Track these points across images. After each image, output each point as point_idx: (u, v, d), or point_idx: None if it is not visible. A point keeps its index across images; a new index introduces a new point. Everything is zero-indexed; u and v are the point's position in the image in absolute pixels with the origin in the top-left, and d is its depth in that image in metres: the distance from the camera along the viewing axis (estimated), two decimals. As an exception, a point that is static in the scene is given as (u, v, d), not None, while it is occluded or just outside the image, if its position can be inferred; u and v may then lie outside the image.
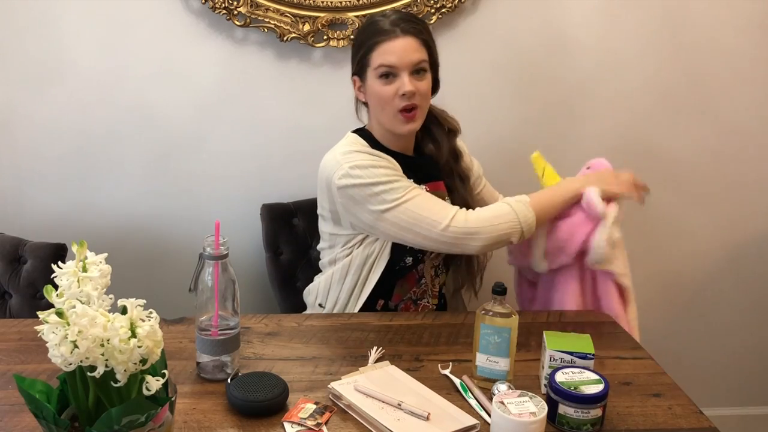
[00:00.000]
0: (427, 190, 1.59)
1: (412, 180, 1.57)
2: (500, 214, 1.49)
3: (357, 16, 1.88)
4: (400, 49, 1.50)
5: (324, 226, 1.63)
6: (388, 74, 1.50)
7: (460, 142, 1.72)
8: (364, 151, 1.55)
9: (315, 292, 1.67)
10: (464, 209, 1.51)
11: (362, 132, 1.63)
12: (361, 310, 1.58)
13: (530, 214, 1.50)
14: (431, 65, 1.56)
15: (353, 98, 1.65)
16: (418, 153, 1.66)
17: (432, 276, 1.66)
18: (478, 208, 1.52)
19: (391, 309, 1.63)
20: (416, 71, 1.52)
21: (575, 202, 1.55)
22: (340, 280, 1.61)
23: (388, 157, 1.55)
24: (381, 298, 1.62)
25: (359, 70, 1.56)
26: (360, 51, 1.55)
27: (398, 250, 1.56)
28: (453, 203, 1.61)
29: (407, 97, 1.50)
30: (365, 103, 1.61)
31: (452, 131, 1.67)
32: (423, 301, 1.65)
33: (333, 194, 1.53)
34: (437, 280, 1.68)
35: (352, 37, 1.82)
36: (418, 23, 1.57)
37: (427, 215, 1.48)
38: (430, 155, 1.65)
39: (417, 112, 1.53)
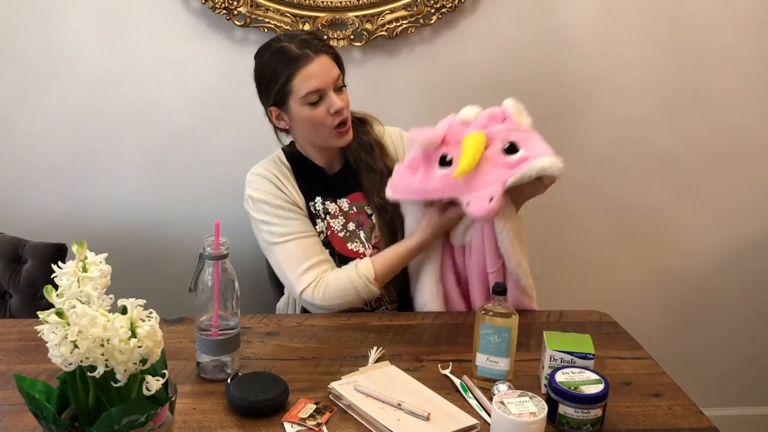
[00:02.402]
0: (348, 203, 1.62)
1: (320, 199, 1.60)
2: (343, 293, 1.51)
3: (357, 16, 1.88)
4: (320, 70, 1.49)
5: None
6: (318, 99, 1.50)
7: (393, 133, 1.69)
8: (268, 177, 1.57)
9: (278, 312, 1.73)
10: (317, 281, 1.51)
11: (290, 147, 1.65)
12: None
13: (373, 291, 1.52)
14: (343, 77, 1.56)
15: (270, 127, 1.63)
16: (347, 165, 1.64)
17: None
18: (328, 281, 1.51)
19: None
20: (338, 87, 1.53)
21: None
22: (287, 303, 1.67)
23: (290, 188, 1.57)
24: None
25: (278, 100, 1.53)
26: (276, 82, 1.51)
27: None
28: (372, 211, 1.61)
29: (339, 113, 1.51)
30: (285, 130, 1.61)
31: (362, 121, 1.65)
32: (380, 310, 1.65)
33: None
34: (392, 284, 1.63)
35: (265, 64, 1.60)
36: (322, 39, 1.59)
37: (289, 276, 1.53)
38: (351, 165, 1.63)
39: (348, 124, 1.55)
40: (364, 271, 1.52)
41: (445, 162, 1.42)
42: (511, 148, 1.40)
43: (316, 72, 1.49)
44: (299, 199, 1.58)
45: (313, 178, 1.61)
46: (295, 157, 1.62)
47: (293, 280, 1.53)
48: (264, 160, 1.63)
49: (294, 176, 1.60)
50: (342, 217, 1.61)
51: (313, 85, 1.48)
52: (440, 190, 1.43)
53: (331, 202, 1.61)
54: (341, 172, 1.64)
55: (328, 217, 1.60)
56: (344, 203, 1.62)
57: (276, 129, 1.63)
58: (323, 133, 1.54)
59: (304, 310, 1.62)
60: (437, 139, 1.44)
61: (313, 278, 1.52)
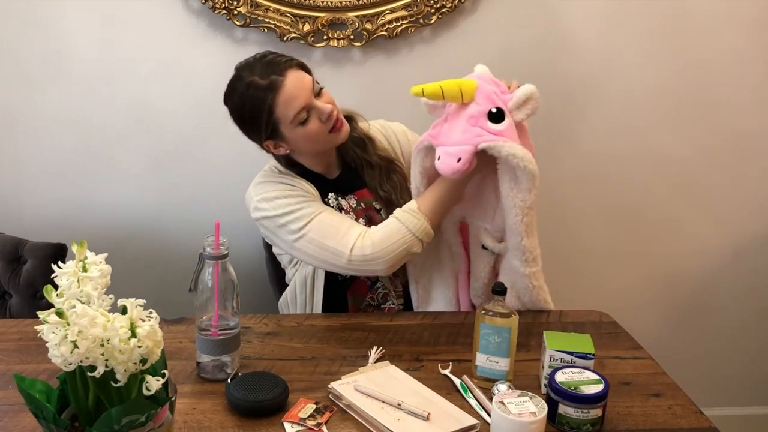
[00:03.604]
0: (356, 200, 1.61)
1: (333, 195, 1.59)
2: (391, 233, 1.45)
3: (357, 16, 1.88)
4: (296, 88, 1.44)
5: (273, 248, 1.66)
6: (307, 115, 1.46)
7: (377, 126, 1.69)
8: (274, 180, 1.55)
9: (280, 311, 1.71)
10: (364, 232, 1.47)
11: (283, 157, 1.60)
12: None
13: (420, 222, 1.45)
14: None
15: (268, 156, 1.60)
16: (345, 165, 1.63)
17: (391, 277, 1.63)
18: (373, 229, 1.48)
19: None
20: (317, 93, 1.49)
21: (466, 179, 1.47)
22: (293, 302, 1.64)
23: (298, 182, 1.55)
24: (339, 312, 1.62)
25: (270, 133, 1.48)
26: (260, 118, 1.45)
27: None
28: (381, 204, 1.61)
29: (330, 116, 1.48)
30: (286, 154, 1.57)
31: (347, 118, 1.61)
32: (387, 305, 1.65)
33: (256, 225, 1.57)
34: (398, 280, 1.66)
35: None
36: (279, 54, 1.51)
37: (331, 244, 1.46)
38: (350, 164, 1.62)
39: (341, 118, 1.52)
40: (407, 205, 1.48)
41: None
42: (497, 116, 1.38)
43: (292, 92, 1.44)
44: (314, 191, 1.56)
45: (317, 182, 1.59)
46: (293, 168, 1.60)
47: (338, 245, 1.45)
48: (261, 173, 1.60)
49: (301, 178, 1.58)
50: (352, 214, 1.61)
51: (296, 105, 1.44)
52: (425, 137, 1.44)
53: (342, 199, 1.61)
54: (342, 174, 1.64)
55: (342, 212, 1.59)
56: (352, 200, 1.62)
57: (277, 157, 1.59)
58: (323, 140, 1.51)
59: (308, 307, 1.61)
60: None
61: (357, 233, 1.46)
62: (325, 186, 1.60)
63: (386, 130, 1.71)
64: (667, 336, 2.25)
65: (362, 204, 1.63)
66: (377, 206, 1.63)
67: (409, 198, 1.55)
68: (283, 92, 1.44)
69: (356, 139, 1.62)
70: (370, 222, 1.61)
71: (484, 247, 1.52)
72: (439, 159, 1.37)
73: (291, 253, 1.55)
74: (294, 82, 1.45)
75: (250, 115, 1.47)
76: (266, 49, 1.90)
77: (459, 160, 1.34)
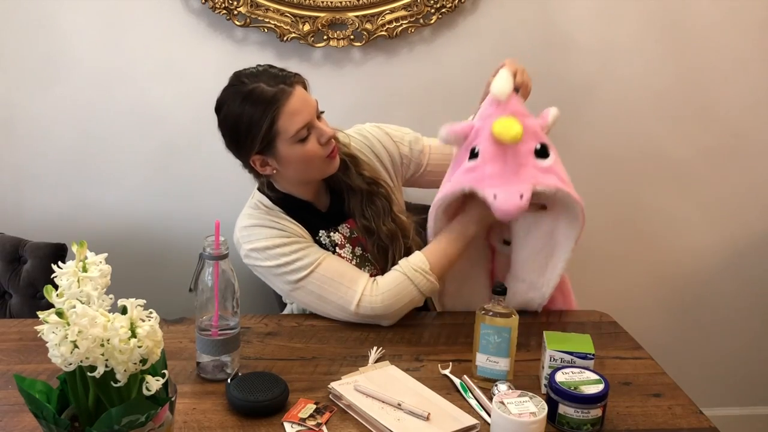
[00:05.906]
0: (348, 228, 1.55)
1: (324, 232, 1.52)
2: (401, 293, 1.44)
3: (357, 16, 1.88)
4: (302, 103, 1.39)
5: None
6: (307, 133, 1.40)
7: (356, 136, 1.60)
8: (263, 224, 1.47)
9: None
10: (370, 285, 1.44)
11: (269, 190, 1.52)
12: None
13: (431, 283, 1.45)
14: None
15: (250, 177, 1.53)
16: (331, 190, 1.56)
17: None
18: (381, 284, 1.44)
19: None
20: (318, 114, 1.43)
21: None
22: None
23: (287, 225, 1.48)
24: None
25: (264, 147, 1.40)
26: (259, 128, 1.37)
27: None
28: (363, 232, 1.55)
29: (329, 140, 1.43)
30: (268, 175, 1.49)
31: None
32: None
33: None
34: None
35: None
36: (284, 69, 1.44)
37: (333, 298, 1.45)
38: (335, 189, 1.55)
39: (335, 149, 1.46)
40: (419, 263, 1.45)
41: (473, 154, 1.38)
42: (543, 152, 1.39)
43: (299, 106, 1.38)
44: (305, 234, 1.50)
45: (308, 216, 1.52)
46: (281, 200, 1.51)
47: (344, 297, 1.44)
48: (246, 209, 1.52)
49: (290, 216, 1.50)
50: (349, 244, 1.55)
51: (300, 121, 1.38)
52: (463, 182, 1.38)
53: (334, 233, 1.54)
54: (332, 203, 1.57)
55: (337, 249, 1.53)
56: (345, 229, 1.56)
57: (258, 177, 1.51)
58: (317, 165, 1.45)
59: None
60: (465, 131, 1.41)
61: (363, 284, 1.44)
62: (315, 221, 1.53)
63: (367, 138, 1.62)
64: (667, 336, 2.25)
65: (354, 232, 1.57)
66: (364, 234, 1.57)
67: (393, 223, 1.53)
68: (289, 103, 1.37)
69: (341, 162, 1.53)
70: (365, 250, 1.57)
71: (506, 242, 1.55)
72: (495, 197, 1.33)
73: (289, 297, 1.53)
74: (301, 98, 1.40)
75: (248, 123, 1.39)
76: (266, 49, 1.92)
77: (521, 196, 1.32)
